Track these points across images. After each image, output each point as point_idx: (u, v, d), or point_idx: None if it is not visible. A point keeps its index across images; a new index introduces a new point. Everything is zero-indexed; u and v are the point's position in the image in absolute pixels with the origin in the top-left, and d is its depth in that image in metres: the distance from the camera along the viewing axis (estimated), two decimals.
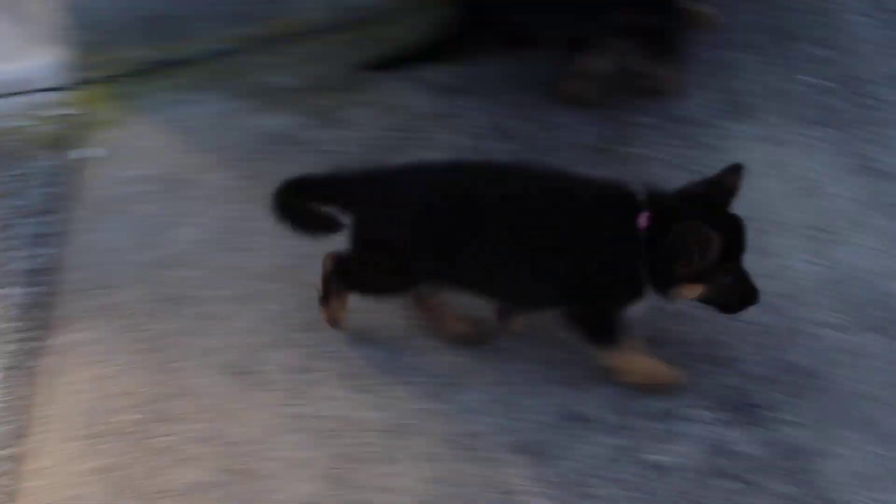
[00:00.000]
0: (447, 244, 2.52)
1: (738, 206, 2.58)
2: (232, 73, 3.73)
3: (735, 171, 2.50)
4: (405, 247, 2.57)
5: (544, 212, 2.50)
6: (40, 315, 2.90)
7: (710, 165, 3.12)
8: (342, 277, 2.71)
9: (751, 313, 2.68)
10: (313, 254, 2.77)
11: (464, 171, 2.63)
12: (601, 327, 2.61)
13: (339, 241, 2.69)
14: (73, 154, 3.54)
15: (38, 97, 3.79)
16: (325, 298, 2.74)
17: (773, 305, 2.79)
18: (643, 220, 2.44)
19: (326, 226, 2.62)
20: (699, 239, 2.36)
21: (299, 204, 2.63)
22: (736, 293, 2.55)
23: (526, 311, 2.72)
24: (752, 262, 2.72)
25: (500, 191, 2.52)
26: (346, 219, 2.59)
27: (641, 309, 2.58)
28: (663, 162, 3.38)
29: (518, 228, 2.49)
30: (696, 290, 2.51)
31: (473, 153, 3.39)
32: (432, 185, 2.58)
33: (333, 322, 2.77)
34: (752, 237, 2.74)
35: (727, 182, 2.50)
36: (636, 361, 2.64)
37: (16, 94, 3.81)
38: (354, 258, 2.64)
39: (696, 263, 2.39)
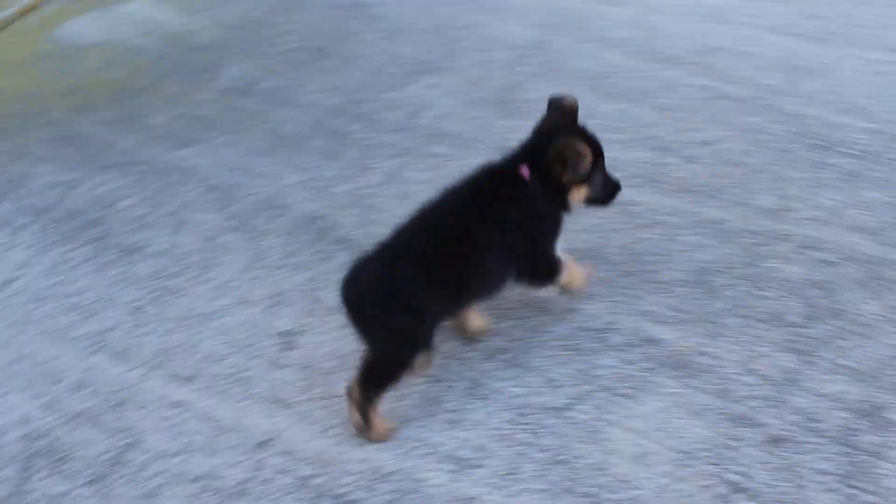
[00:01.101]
0: (441, 280, 3.21)
1: None
2: None
3: (558, 99, 3.38)
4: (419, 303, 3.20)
5: (473, 219, 3.29)
6: None
7: None
8: (376, 385, 3.22)
9: None
10: None
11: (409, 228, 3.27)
12: (549, 266, 3.49)
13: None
14: None
15: None
16: (368, 422, 3.23)
17: None
18: (525, 171, 3.28)
19: None
20: (574, 150, 3.21)
21: None
22: (607, 187, 3.44)
23: (502, 290, 3.45)
24: None
25: (441, 221, 3.27)
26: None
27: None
28: None
29: (469, 238, 3.26)
30: (582, 192, 3.36)
31: None
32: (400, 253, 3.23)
33: (389, 433, 3.31)
34: None
35: (564, 107, 3.37)
36: (574, 272, 3.54)
37: None
38: (380, 352, 3.23)
39: (579, 170, 3.24)
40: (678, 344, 3.43)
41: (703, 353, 3.39)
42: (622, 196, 3.50)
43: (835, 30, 5.15)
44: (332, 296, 3.72)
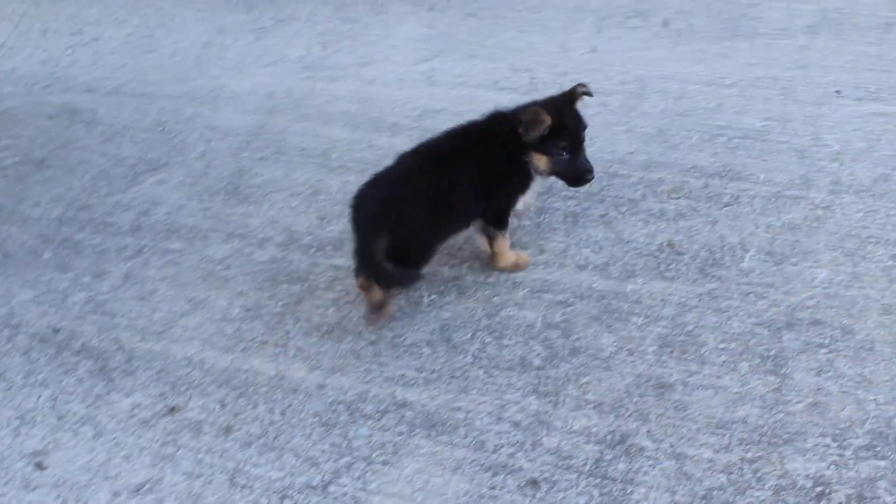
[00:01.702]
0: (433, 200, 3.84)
1: None
2: None
3: (580, 86, 3.92)
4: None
5: (468, 154, 3.92)
6: None
7: None
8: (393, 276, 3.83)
9: None
10: None
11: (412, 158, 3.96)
12: (503, 216, 4.04)
13: None
14: None
15: None
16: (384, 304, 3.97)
17: None
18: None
19: None
20: (533, 114, 3.75)
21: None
22: (574, 168, 3.89)
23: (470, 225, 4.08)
24: None
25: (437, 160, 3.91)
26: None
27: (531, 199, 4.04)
28: None
29: (456, 176, 3.87)
30: (542, 161, 3.92)
31: None
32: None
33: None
34: None
35: (572, 92, 3.91)
36: (504, 247, 4.12)
37: None
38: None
39: (532, 132, 3.78)
40: (429, 403, 3.53)
41: (454, 409, 3.51)
42: None
43: (543, 79, 5.46)
44: (79, 408, 3.63)
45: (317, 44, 5.92)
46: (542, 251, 4.20)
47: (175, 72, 5.89)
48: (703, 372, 3.57)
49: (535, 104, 3.86)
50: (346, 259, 4.20)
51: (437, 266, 4.15)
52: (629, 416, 3.41)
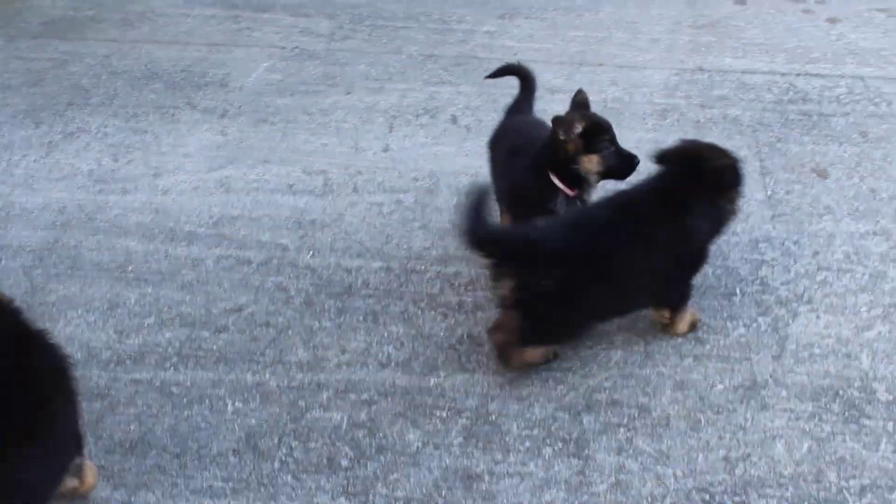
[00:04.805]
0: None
1: None
2: None
3: (579, 94, 4.33)
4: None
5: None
6: None
7: None
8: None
9: None
10: None
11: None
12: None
13: None
14: None
15: None
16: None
17: None
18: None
19: None
20: (566, 121, 4.05)
21: None
22: (622, 157, 4.19)
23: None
24: None
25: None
26: None
27: None
28: None
29: None
30: (593, 161, 4.17)
31: None
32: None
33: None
34: None
35: (578, 100, 4.30)
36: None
37: None
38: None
39: (571, 138, 4.08)
40: None
41: None
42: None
43: (337, 180, 5.56)
44: None
45: (107, 156, 5.85)
46: (343, 351, 4.24)
47: None
48: (508, 460, 3.66)
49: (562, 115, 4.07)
50: (146, 373, 4.14)
51: (238, 374, 4.12)
52: None
